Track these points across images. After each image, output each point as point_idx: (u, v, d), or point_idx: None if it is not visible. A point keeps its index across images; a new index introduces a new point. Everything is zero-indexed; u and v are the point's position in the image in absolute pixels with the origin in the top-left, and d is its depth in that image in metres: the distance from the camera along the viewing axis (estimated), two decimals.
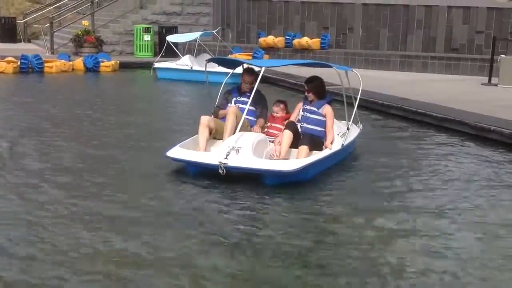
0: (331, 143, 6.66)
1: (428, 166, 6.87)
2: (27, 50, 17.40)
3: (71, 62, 15.57)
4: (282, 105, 7.09)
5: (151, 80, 14.74)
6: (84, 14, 19.72)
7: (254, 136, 6.32)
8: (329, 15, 17.78)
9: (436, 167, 6.82)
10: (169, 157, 6.15)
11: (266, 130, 6.95)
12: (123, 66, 16.28)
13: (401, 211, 5.34)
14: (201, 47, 16.07)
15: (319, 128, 6.71)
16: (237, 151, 5.91)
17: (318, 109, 6.74)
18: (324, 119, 6.72)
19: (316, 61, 7.15)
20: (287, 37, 17.54)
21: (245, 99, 6.92)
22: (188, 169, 6.18)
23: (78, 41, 17.93)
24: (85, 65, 15.45)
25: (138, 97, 12.76)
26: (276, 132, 6.85)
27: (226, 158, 5.82)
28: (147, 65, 15.68)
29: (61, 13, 20.00)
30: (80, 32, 18.00)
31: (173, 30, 18.64)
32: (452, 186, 6.09)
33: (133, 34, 18.72)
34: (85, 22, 18.58)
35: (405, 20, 16.73)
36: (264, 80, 14.24)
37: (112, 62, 15.95)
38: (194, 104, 11.68)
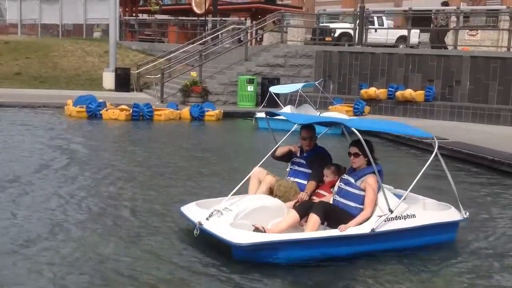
0: (357, 224, 5.20)
1: None
2: (139, 99, 18.47)
3: (178, 111, 16.31)
4: (333, 168, 5.98)
5: (252, 129, 15.05)
6: (192, 66, 20.74)
7: (260, 202, 5.52)
8: (434, 67, 17.39)
9: None
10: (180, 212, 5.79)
11: (312, 196, 5.90)
12: (227, 115, 16.79)
13: None
14: (303, 97, 16.25)
15: (353, 204, 5.36)
16: (220, 213, 5.29)
17: (356, 180, 5.43)
18: (362, 193, 5.38)
19: (340, 121, 5.99)
20: (389, 89, 17.32)
21: (302, 161, 6.20)
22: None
23: (186, 91, 18.81)
24: (191, 114, 16.11)
25: (238, 145, 13.01)
26: (318, 199, 5.73)
27: (207, 219, 5.26)
28: (249, 115, 16.06)
29: (171, 64, 21.19)
30: (188, 83, 18.90)
31: (275, 81, 19.07)
32: None
33: (237, 84, 19.36)
34: (194, 73, 19.53)
35: None
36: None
37: (216, 111, 16.52)
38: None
